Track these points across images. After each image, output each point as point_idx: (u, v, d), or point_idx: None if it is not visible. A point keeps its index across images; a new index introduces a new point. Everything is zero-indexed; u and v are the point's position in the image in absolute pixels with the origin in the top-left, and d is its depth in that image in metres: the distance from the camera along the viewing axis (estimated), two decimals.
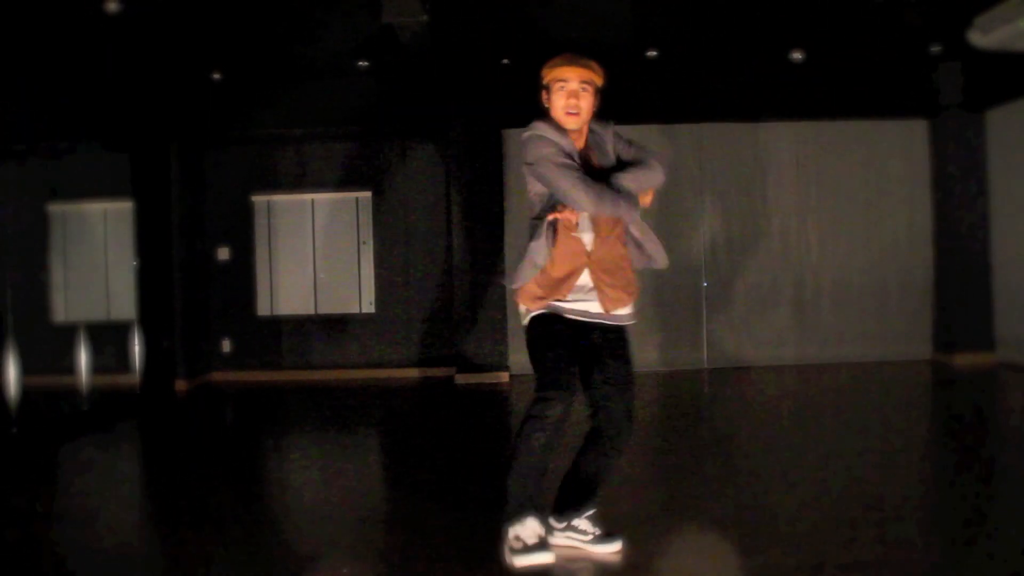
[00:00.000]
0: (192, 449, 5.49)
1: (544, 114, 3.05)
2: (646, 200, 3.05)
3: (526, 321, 3.10)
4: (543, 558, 2.98)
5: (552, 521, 3.17)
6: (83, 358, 6.32)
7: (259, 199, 8.42)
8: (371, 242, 8.41)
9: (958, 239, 7.87)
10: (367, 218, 8.42)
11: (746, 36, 6.99)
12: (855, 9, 6.30)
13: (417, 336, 8.37)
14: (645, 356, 8.09)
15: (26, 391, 5.41)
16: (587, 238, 3.02)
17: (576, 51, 3.08)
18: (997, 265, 7.79)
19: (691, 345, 8.12)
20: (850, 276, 8.15)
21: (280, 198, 8.42)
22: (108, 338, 6.81)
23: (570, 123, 3.00)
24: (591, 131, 3.11)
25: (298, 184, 8.39)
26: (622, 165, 3.08)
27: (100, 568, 3.20)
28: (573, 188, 2.89)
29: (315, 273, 8.42)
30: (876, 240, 8.15)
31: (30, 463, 5.06)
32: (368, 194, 8.41)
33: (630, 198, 2.97)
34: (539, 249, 2.99)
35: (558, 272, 3.01)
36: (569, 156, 2.96)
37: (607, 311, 3.05)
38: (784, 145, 8.16)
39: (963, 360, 7.74)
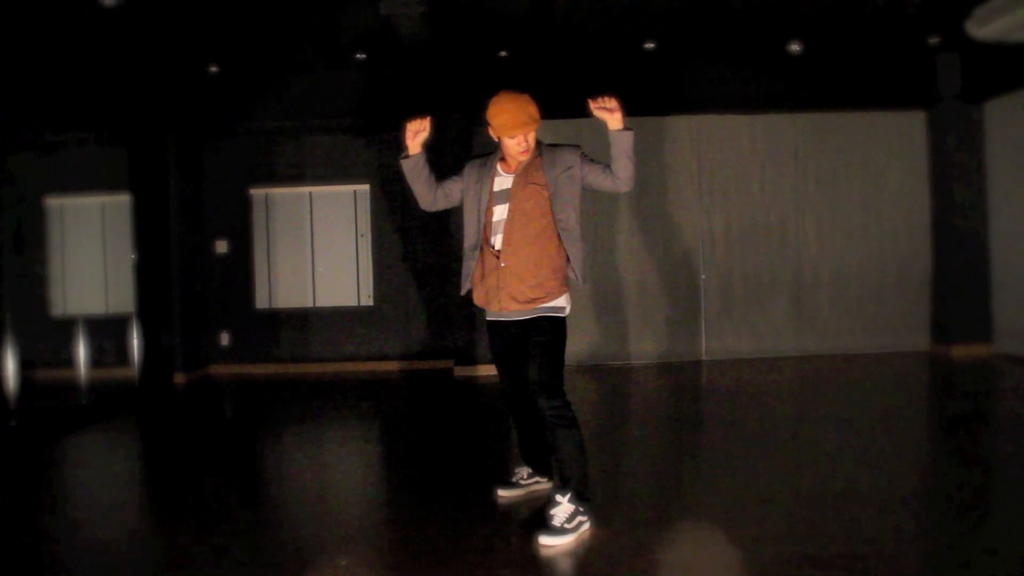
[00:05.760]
0: (191, 442, 5.50)
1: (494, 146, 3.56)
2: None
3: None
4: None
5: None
6: (82, 351, 6.33)
7: (257, 192, 8.42)
8: (369, 235, 8.42)
9: (956, 230, 7.89)
10: (365, 211, 8.43)
11: (744, 28, 6.99)
12: (853, 0, 6.29)
13: (415, 329, 8.38)
14: (644, 348, 8.11)
15: (25, 385, 5.41)
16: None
17: (520, 89, 3.57)
18: (995, 256, 7.80)
19: (689, 337, 8.13)
20: (848, 267, 8.17)
21: (278, 191, 8.42)
22: (107, 331, 6.82)
23: (523, 159, 3.57)
24: (537, 154, 3.56)
25: (296, 177, 8.39)
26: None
27: (99, 561, 3.21)
28: None
29: (313, 266, 8.43)
30: (874, 231, 8.16)
31: (29, 457, 5.07)
32: (366, 187, 8.41)
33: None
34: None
35: None
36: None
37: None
38: (782, 137, 8.16)
39: (960, 351, 7.77)
